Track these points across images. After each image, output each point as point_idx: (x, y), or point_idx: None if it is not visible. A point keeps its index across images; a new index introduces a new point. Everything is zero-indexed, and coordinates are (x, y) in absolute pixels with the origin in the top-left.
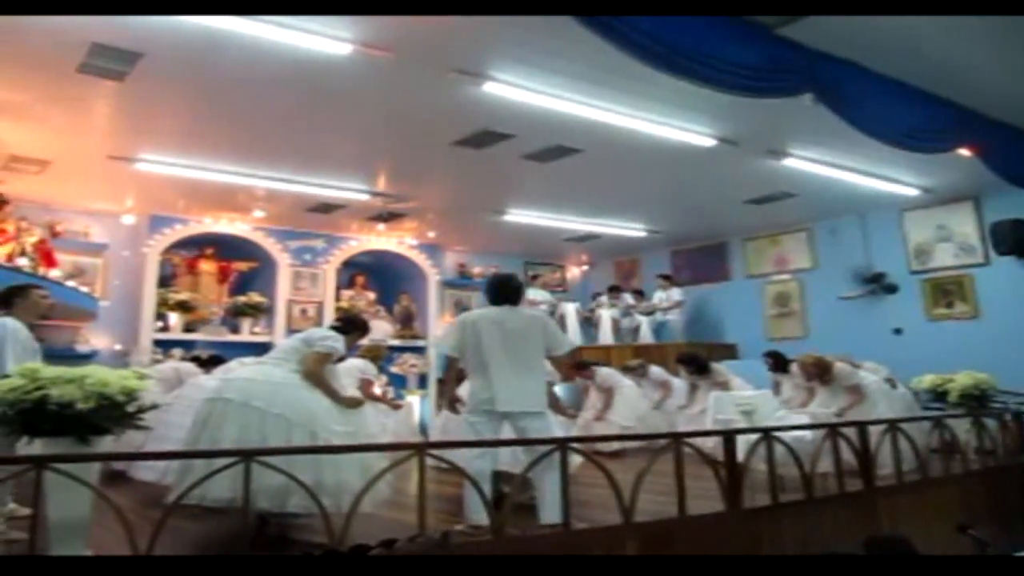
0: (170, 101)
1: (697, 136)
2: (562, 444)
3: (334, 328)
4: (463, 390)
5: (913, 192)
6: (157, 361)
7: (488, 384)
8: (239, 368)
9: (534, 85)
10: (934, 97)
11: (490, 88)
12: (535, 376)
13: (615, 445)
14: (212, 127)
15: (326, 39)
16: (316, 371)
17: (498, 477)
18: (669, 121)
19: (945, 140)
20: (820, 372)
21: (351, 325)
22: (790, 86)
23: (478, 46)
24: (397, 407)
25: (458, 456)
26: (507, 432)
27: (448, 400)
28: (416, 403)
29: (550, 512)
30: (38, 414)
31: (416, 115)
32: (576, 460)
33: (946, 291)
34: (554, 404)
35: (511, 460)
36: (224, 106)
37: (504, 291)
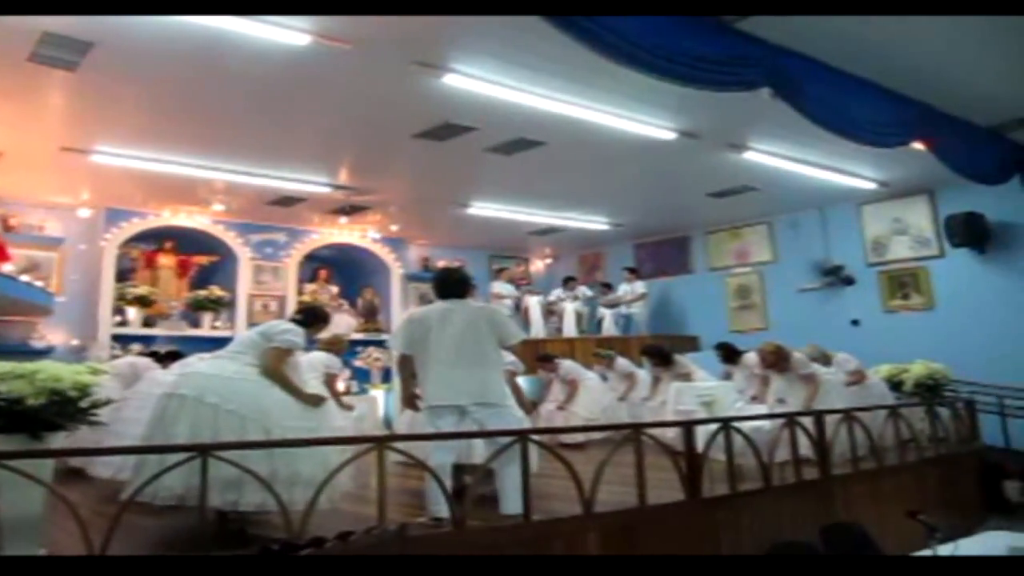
0: (125, 92)
1: (658, 129)
2: (522, 436)
3: (294, 320)
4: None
5: (870, 186)
6: (116, 357)
7: (438, 378)
8: (197, 363)
9: (496, 78)
10: (890, 92)
11: (451, 80)
12: (486, 368)
13: (579, 437)
14: (169, 119)
15: (284, 30)
16: (277, 368)
17: (460, 470)
18: (630, 114)
19: (900, 135)
20: (778, 360)
21: (312, 317)
22: (748, 80)
23: (438, 38)
24: (349, 408)
25: (418, 450)
26: (469, 425)
27: (406, 398)
28: (380, 397)
29: (511, 503)
30: None
31: (376, 107)
32: (535, 454)
33: (902, 283)
34: (516, 395)
35: (471, 453)
36: (181, 97)
37: (448, 284)
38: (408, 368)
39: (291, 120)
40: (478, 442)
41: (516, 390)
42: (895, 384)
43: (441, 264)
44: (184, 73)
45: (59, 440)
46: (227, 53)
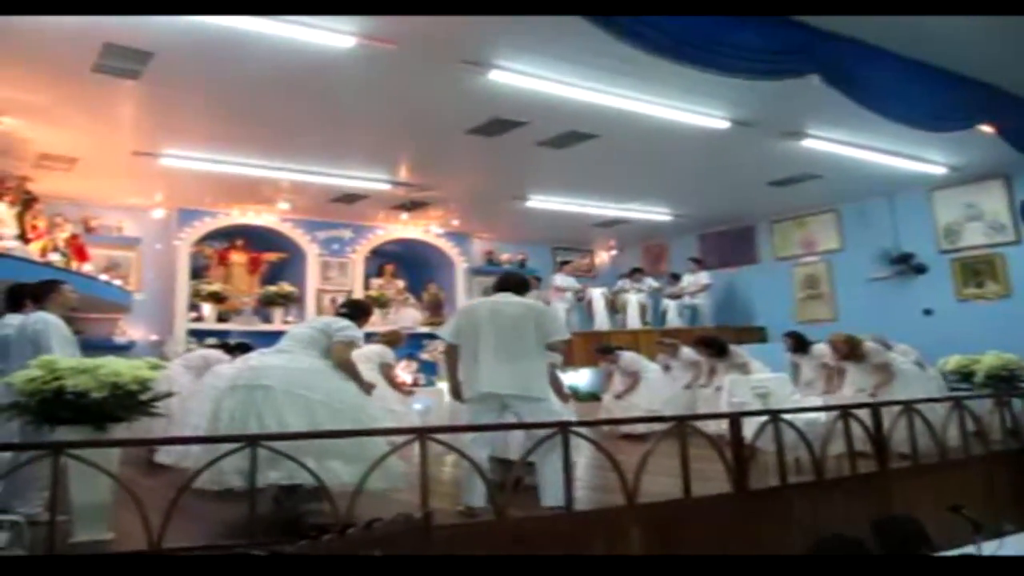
0: (186, 98)
1: (711, 119)
2: (563, 428)
3: (340, 315)
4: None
5: (941, 171)
6: (191, 351)
7: (480, 368)
8: (266, 357)
9: (541, 72)
10: (949, 74)
11: (496, 76)
12: (528, 361)
13: (640, 428)
14: (230, 122)
15: (329, 32)
16: (349, 360)
17: (501, 463)
18: (680, 105)
19: (962, 119)
20: (851, 349)
21: (357, 310)
22: (795, 68)
23: (481, 36)
24: (409, 393)
25: (458, 442)
26: (509, 419)
27: (452, 388)
28: (446, 389)
29: (551, 495)
30: (55, 403)
31: (427, 105)
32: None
33: (976, 271)
34: (554, 386)
35: (507, 448)
36: (238, 101)
37: (505, 282)
38: (454, 358)
39: (347, 119)
40: (514, 437)
41: (555, 382)
42: (965, 375)
43: (505, 257)
44: (241, 79)
45: (121, 430)
46: (279, 57)
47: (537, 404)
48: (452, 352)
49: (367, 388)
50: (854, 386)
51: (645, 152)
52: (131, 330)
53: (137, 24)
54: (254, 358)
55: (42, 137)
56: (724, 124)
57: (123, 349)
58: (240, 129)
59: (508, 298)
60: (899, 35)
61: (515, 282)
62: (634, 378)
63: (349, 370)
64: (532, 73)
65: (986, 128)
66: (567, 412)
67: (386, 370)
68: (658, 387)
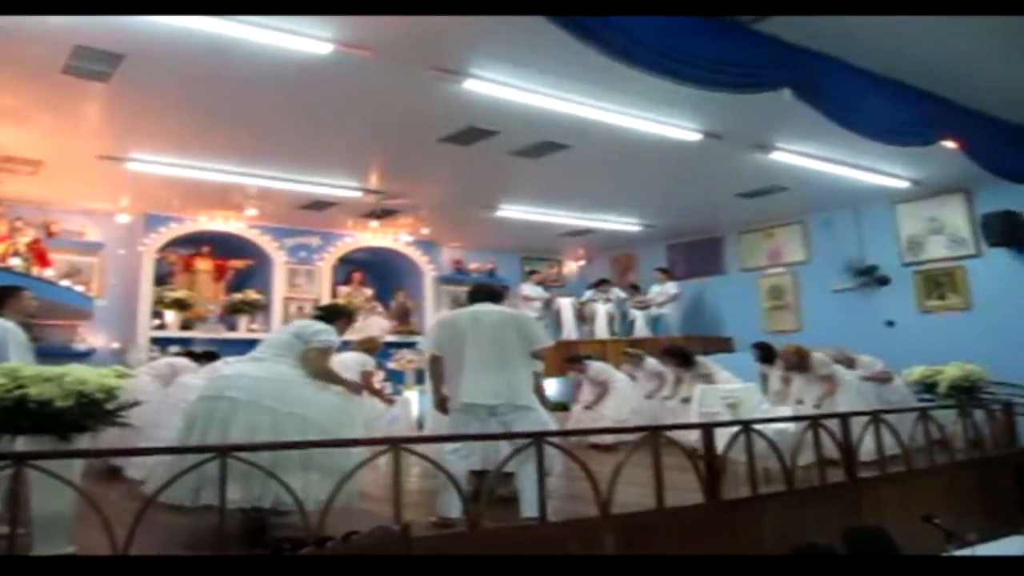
0: (157, 101)
1: (682, 131)
2: (538, 437)
3: (319, 318)
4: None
5: (904, 184)
6: (154, 359)
7: (465, 378)
8: (235, 365)
9: (515, 82)
10: (914, 90)
11: (471, 85)
12: (514, 370)
13: (608, 438)
14: (200, 127)
15: (306, 39)
16: (325, 367)
17: (477, 475)
18: (653, 116)
19: (927, 134)
20: (800, 361)
21: (334, 313)
22: (767, 81)
23: (455, 44)
24: (390, 403)
25: (435, 452)
26: (494, 429)
27: (437, 400)
28: (414, 399)
29: (530, 506)
30: (18, 412)
31: (401, 113)
32: (551, 457)
33: (938, 283)
34: (539, 396)
35: (487, 458)
36: (210, 106)
37: (481, 291)
38: (438, 370)
39: (319, 126)
40: (504, 447)
41: (539, 391)
42: (929, 386)
43: (474, 266)
44: (212, 82)
45: (86, 441)
46: (253, 63)
47: (527, 413)
48: (436, 363)
49: (355, 388)
50: (795, 396)
51: (616, 163)
52: (91, 337)
53: (109, 26)
54: (225, 366)
55: (6, 139)
56: (696, 136)
57: (83, 356)
58: (210, 134)
59: (488, 307)
60: (867, 51)
61: (490, 291)
62: (603, 388)
63: (328, 377)
64: (507, 82)
65: (949, 143)
66: (552, 422)
67: (366, 378)
68: (626, 396)
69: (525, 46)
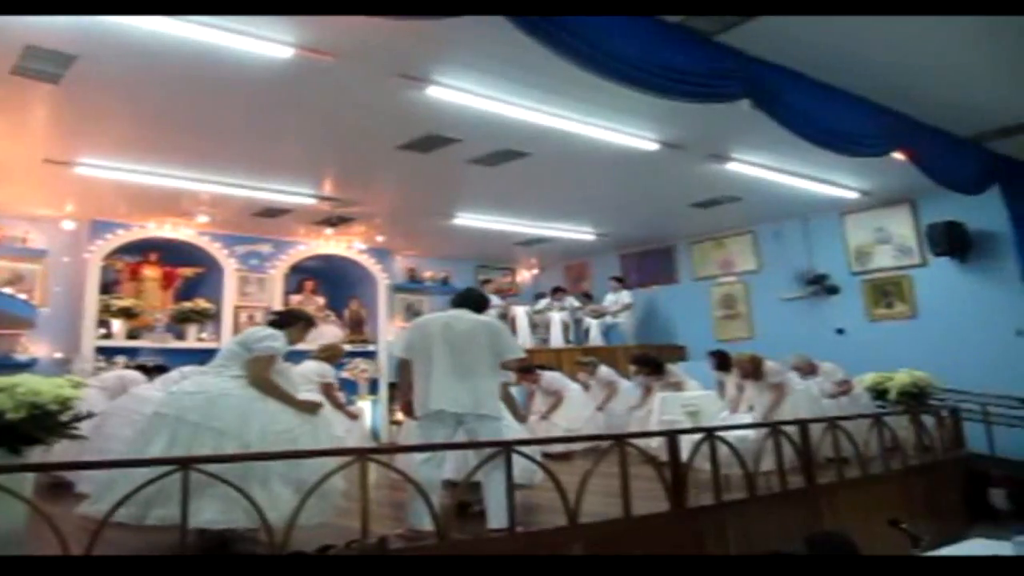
0: (108, 104)
1: (641, 140)
2: (507, 447)
3: (271, 324)
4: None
5: (852, 195)
6: (100, 369)
7: (433, 385)
8: (179, 378)
9: (479, 89)
10: (869, 103)
11: (434, 92)
12: (482, 379)
13: (560, 447)
14: (153, 131)
15: (267, 42)
16: (262, 377)
17: (454, 486)
18: (613, 125)
19: (879, 145)
20: (753, 369)
21: (289, 317)
22: (727, 92)
23: (421, 50)
24: (353, 416)
25: (404, 462)
26: (461, 438)
27: (403, 404)
28: (367, 408)
29: (496, 517)
30: None
31: (360, 119)
32: (533, 468)
33: (885, 292)
34: (509, 406)
35: (460, 468)
36: (165, 110)
37: (462, 297)
38: (407, 373)
39: (276, 132)
40: (464, 460)
41: (509, 400)
42: (880, 392)
43: (428, 275)
44: (168, 86)
45: (37, 454)
46: (211, 66)
47: (492, 423)
48: (405, 367)
49: (307, 406)
50: (747, 403)
51: (574, 171)
52: (34, 347)
53: (62, 26)
54: (173, 378)
55: None
56: (653, 146)
57: (25, 367)
58: (163, 138)
59: (463, 314)
60: (825, 64)
61: (475, 299)
62: (556, 397)
63: (266, 388)
64: (469, 89)
65: (899, 155)
66: (524, 432)
67: (327, 389)
68: (579, 406)
69: (489, 53)
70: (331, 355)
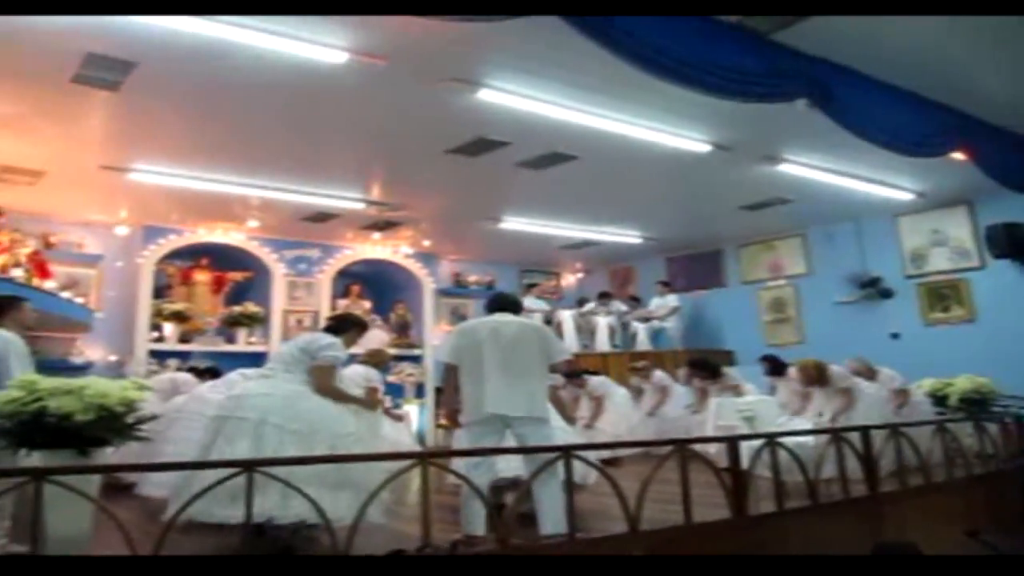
0: (164, 111)
1: (692, 142)
2: (566, 452)
3: (327, 330)
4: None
5: (908, 197)
6: (153, 372)
7: (484, 389)
8: (242, 381)
9: (529, 92)
10: (929, 101)
11: (485, 96)
12: (532, 382)
13: (608, 453)
14: (206, 137)
15: (321, 47)
16: (330, 384)
17: (498, 489)
18: (664, 127)
19: (940, 144)
20: (818, 376)
21: (345, 323)
22: (784, 91)
23: (473, 54)
24: (398, 419)
25: (458, 466)
26: (509, 442)
27: (448, 412)
28: (414, 412)
29: (550, 522)
30: (36, 426)
31: (410, 123)
32: (586, 470)
33: (942, 295)
34: (559, 409)
35: (510, 470)
36: (218, 116)
37: (500, 301)
38: (454, 379)
39: (326, 137)
40: (507, 460)
41: (558, 403)
42: (939, 399)
43: (473, 279)
44: (222, 92)
45: (105, 456)
46: (264, 72)
47: (543, 426)
48: (452, 373)
49: (370, 404)
50: (815, 410)
51: (622, 174)
52: (89, 350)
53: (123, 33)
54: (235, 381)
55: (7, 148)
56: (705, 147)
57: (81, 369)
58: (216, 144)
59: (507, 317)
60: (882, 62)
61: (511, 302)
62: (598, 402)
63: (333, 395)
64: (521, 92)
65: (958, 155)
66: (572, 434)
67: (372, 393)
68: (625, 411)
69: (540, 55)
70: (378, 360)
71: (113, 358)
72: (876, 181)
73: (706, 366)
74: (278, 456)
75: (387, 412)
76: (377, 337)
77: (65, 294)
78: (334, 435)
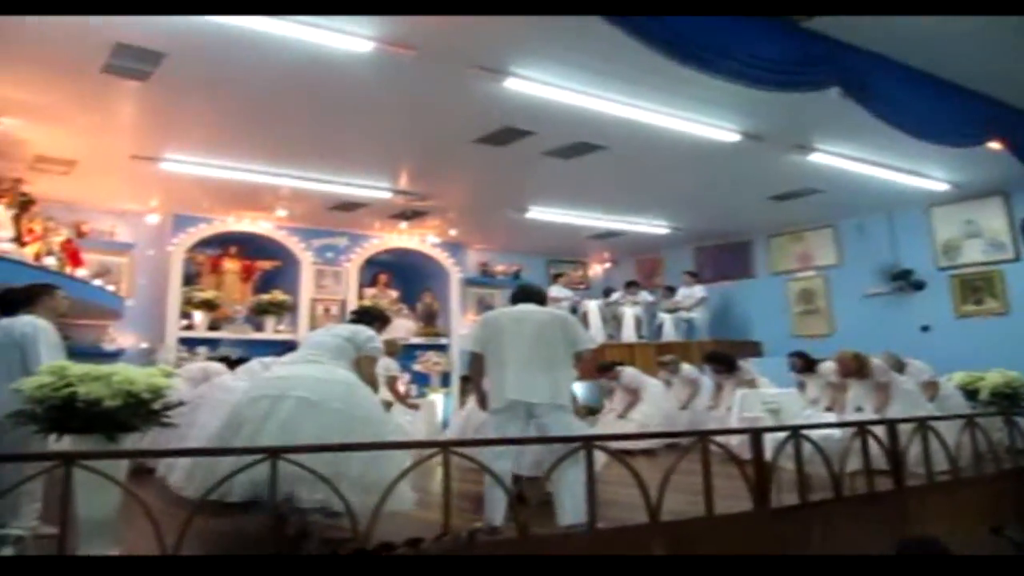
0: (193, 100)
1: (721, 131)
2: (588, 442)
3: (352, 321)
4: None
5: (942, 187)
6: (183, 359)
7: (509, 376)
8: (261, 369)
9: (557, 81)
10: (964, 90)
11: (511, 84)
12: (557, 371)
13: (642, 444)
14: (235, 126)
15: (348, 36)
16: (374, 376)
17: (518, 480)
18: (693, 116)
19: (976, 134)
20: (858, 367)
21: (368, 316)
22: (816, 80)
23: (499, 42)
24: (414, 407)
25: (480, 455)
26: (531, 432)
27: (479, 398)
28: (439, 401)
29: (570, 512)
30: (66, 411)
31: (437, 113)
32: (600, 459)
33: (975, 287)
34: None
35: (532, 463)
36: (247, 105)
37: (524, 292)
38: (480, 368)
39: (354, 126)
40: (528, 450)
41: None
42: (970, 393)
43: (499, 269)
44: (251, 82)
45: (132, 441)
46: (291, 62)
47: (565, 414)
48: (478, 362)
49: (385, 405)
50: (853, 404)
51: (651, 164)
52: (121, 337)
53: (151, 24)
54: (276, 367)
55: (41, 138)
56: (734, 137)
57: (112, 356)
58: (244, 134)
59: (532, 307)
60: (916, 49)
61: (536, 293)
62: (634, 395)
63: (374, 385)
64: (547, 81)
65: (994, 144)
66: (586, 427)
67: (391, 382)
68: (659, 402)
69: (569, 45)
70: (392, 350)
71: (144, 345)
72: (909, 171)
73: (722, 359)
74: (347, 438)
75: (403, 401)
76: (404, 326)
77: (97, 282)
78: (383, 422)
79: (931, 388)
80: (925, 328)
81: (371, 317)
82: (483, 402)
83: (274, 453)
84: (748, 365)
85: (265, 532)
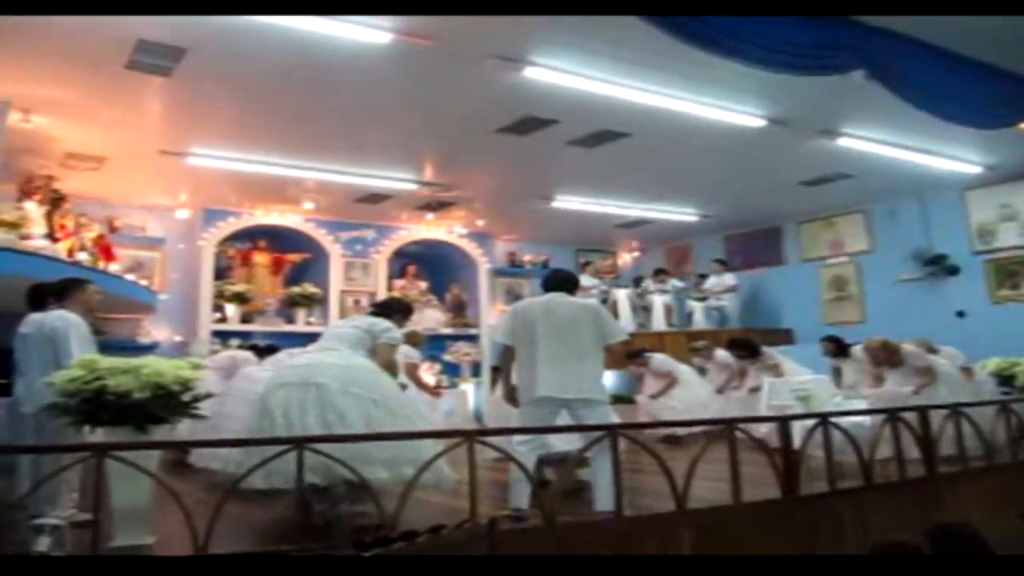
0: (217, 95)
1: (747, 117)
2: (612, 431)
3: (373, 314)
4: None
5: (976, 170)
6: (216, 352)
7: (539, 371)
8: (296, 357)
9: (578, 69)
10: (994, 69)
11: (531, 73)
12: (587, 363)
13: (681, 432)
14: (260, 120)
15: (366, 28)
16: (394, 363)
17: (540, 463)
18: (717, 102)
19: (1007, 115)
20: (888, 356)
21: (390, 308)
22: (840, 63)
23: (517, 31)
24: (436, 394)
25: (506, 443)
26: (563, 420)
27: (506, 391)
28: (470, 391)
29: (603, 500)
30: (97, 404)
31: (458, 103)
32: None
33: (1011, 272)
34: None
35: (548, 446)
36: (270, 99)
37: (555, 279)
38: (509, 361)
39: (377, 118)
40: (556, 436)
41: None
42: (1006, 378)
43: (527, 258)
44: (272, 76)
45: (163, 433)
46: (312, 54)
47: (600, 407)
48: (507, 354)
49: (401, 387)
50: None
51: (676, 152)
52: (155, 331)
53: (171, 20)
54: (298, 356)
55: (70, 136)
56: (760, 122)
57: (147, 350)
58: (269, 128)
59: (562, 298)
60: (942, 29)
61: (565, 280)
62: (668, 379)
63: (393, 372)
64: (568, 70)
65: None
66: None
67: (412, 370)
68: (694, 388)
69: (588, 33)
70: (414, 340)
71: (178, 338)
72: (941, 154)
73: (745, 345)
74: (368, 424)
75: (425, 388)
76: (433, 317)
77: (130, 276)
78: (406, 406)
79: (964, 374)
80: (960, 314)
81: (391, 310)
82: (511, 396)
83: (299, 443)
84: (771, 351)
85: (293, 520)
